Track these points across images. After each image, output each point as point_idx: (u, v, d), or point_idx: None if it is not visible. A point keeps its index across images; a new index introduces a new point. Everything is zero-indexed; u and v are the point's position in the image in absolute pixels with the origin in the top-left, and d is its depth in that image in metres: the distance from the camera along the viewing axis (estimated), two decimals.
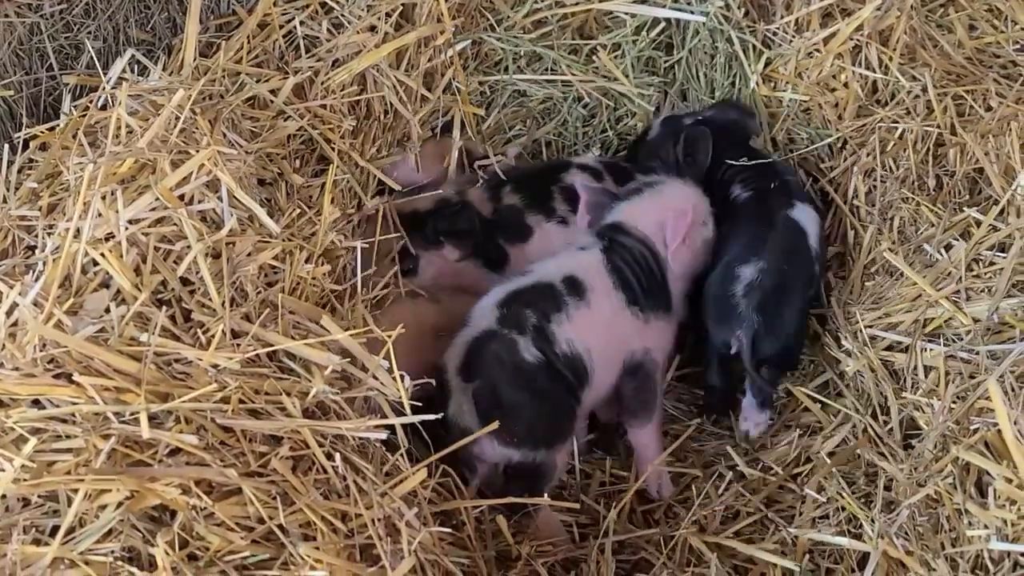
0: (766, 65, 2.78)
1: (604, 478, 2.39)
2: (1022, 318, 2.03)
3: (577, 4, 2.84)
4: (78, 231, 1.76)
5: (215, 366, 1.72)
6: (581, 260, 2.35)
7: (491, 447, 2.16)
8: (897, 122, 2.55)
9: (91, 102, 2.03)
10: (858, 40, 2.67)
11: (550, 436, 2.21)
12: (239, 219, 1.89)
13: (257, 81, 2.19)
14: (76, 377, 1.62)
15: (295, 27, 2.41)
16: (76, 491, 1.54)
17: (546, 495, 2.17)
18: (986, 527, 1.71)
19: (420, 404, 1.90)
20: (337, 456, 1.72)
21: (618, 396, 2.37)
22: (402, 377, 1.85)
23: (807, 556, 2.03)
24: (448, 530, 1.81)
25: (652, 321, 2.35)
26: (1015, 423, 1.75)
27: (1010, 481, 1.68)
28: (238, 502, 1.61)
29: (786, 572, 2.00)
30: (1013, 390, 1.85)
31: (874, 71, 2.66)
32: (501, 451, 2.18)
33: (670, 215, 2.38)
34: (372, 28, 2.45)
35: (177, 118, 1.91)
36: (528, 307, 2.22)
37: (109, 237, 1.78)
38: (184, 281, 1.81)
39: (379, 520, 1.70)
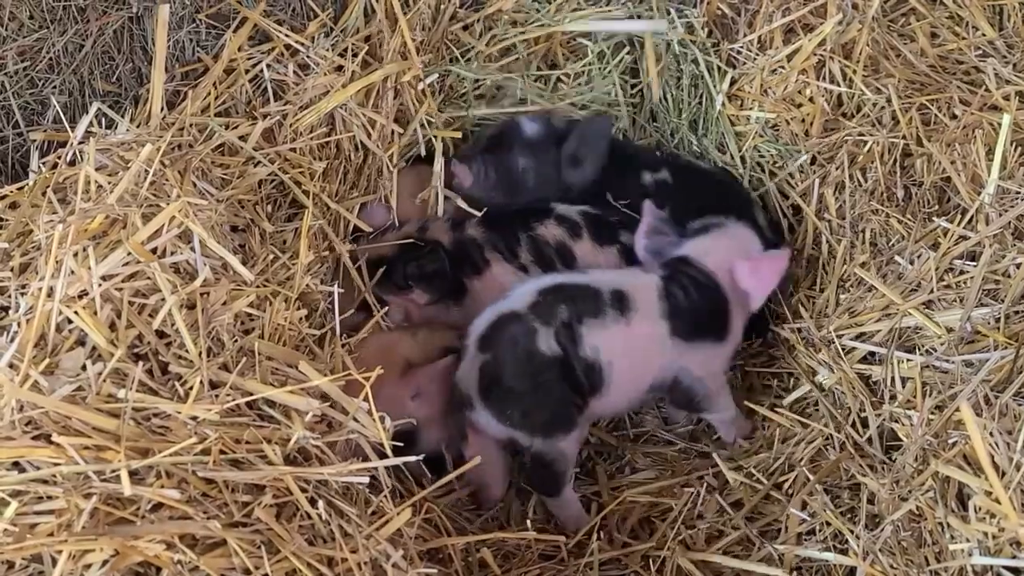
0: (731, 84, 2.79)
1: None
2: (995, 327, 2.04)
3: (542, 27, 2.85)
4: (51, 290, 1.76)
5: (194, 418, 1.72)
6: (638, 281, 2.37)
7: (488, 420, 2.24)
8: (864, 135, 2.57)
9: (59, 158, 2.03)
10: (821, 55, 2.68)
11: (547, 427, 2.24)
12: (212, 268, 1.90)
13: (226, 128, 2.19)
14: (55, 438, 1.62)
15: (262, 71, 2.41)
16: (60, 552, 1.54)
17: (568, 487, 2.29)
18: (968, 541, 1.72)
19: (401, 444, 1.91)
20: (320, 502, 1.72)
21: (670, 399, 2.45)
22: (382, 418, 1.86)
23: (794, 573, 2.04)
24: (435, 570, 1.81)
25: (698, 347, 2.36)
26: (991, 435, 1.76)
27: (990, 494, 1.69)
28: (223, 554, 1.61)
29: None
30: (988, 402, 1.87)
31: (839, 85, 2.67)
32: (496, 427, 2.24)
33: (761, 262, 2.40)
34: (339, 68, 2.46)
35: (146, 172, 1.91)
36: (566, 303, 2.24)
37: (83, 294, 1.78)
38: (160, 334, 1.81)
39: (365, 563, 1.70)
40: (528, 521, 2.15)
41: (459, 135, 2.71)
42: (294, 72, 2.44)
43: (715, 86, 2.79)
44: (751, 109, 2.77)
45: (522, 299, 2.26)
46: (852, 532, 1.99)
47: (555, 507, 2.34)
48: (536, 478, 2.31)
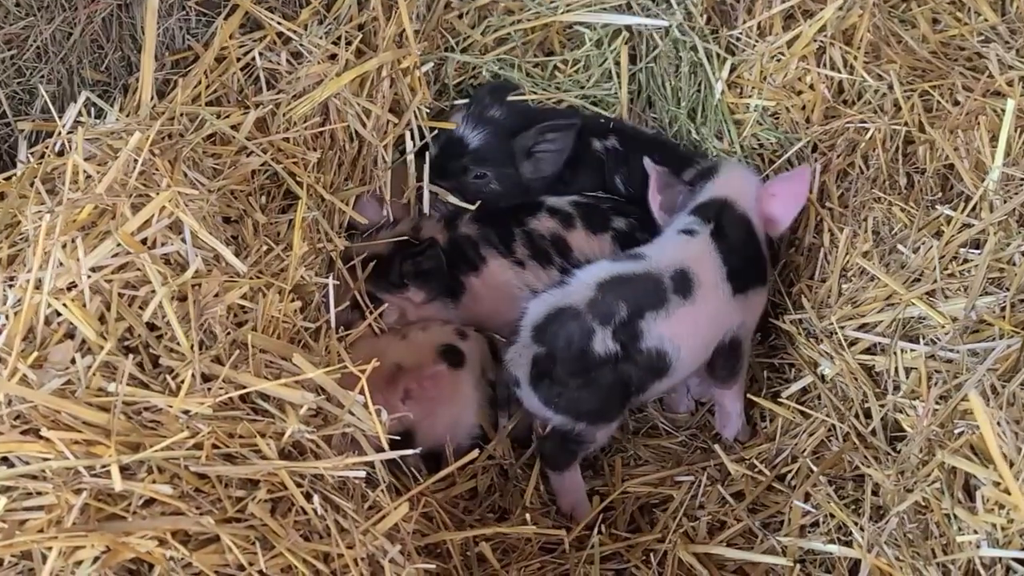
0: (731, 71, 2.76)
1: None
2: (1000, 316, 2.01)
3: (538, 17, 2.82)
4: (39, 282, 1.72)
5: (186, 412, 1.69)
6: (693, 249, 2.35)
7: (534, 401, 2.26)
8: (865, 122, 2.54)
9: (47, 148, 2.00)
10: (822, 41, 2.65)
11: (595, 416, 2.26)
12: (204, 259, 1.86)
13: (217, 117, 2.16)
14: (44, 432, 1.58)
15: (254, 59, 2.38)
16: (50, 549, 1.51)
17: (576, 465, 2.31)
18: (975, 532, 1.69)
19: (399, 438, 1.89)
20: (316, 496, 1.70)
21: (708, 365, 2.41)
22: (379, 411, 1.83)
23: (798, 565, 2.01)
24: (433, 565, 1.78)
25: (751, 297, 2.40)
26: (999, 424, 1.73)
27: (998, 485, 1.66)
28: (216, 550, 1.58)
29: None
30: (995, 391, 1.84)
31: (839, 71, 2.65)
32: (542, 409, 2.27)
33: (788, 183, 2.47)
34: (332, 56, 2.42)
35: (135, 161, 1.87)
36: (625, 298, 2.22)
37: (72, 286, 1.74)
38: (151, 327, 1.77)
39: (362, 559, 1.68)
40: (527, 515, 2.12)
41: (454, 126, 2.67)
42: (287, 60, 2.40)
43: (714, 73, 2.76)
44: (751, 97, 2.74)
45: (580, 292, 2.24)
46: (856, 524, 1.97)
47: (558, 484, 2.33)
48: (554, 449, 2.31)
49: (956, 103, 2.48)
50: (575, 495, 2.33)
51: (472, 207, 2.61)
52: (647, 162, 2.54)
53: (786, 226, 2.50)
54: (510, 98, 2.75)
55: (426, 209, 2.62)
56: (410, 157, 2.60)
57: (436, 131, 2.65)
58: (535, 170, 2.69)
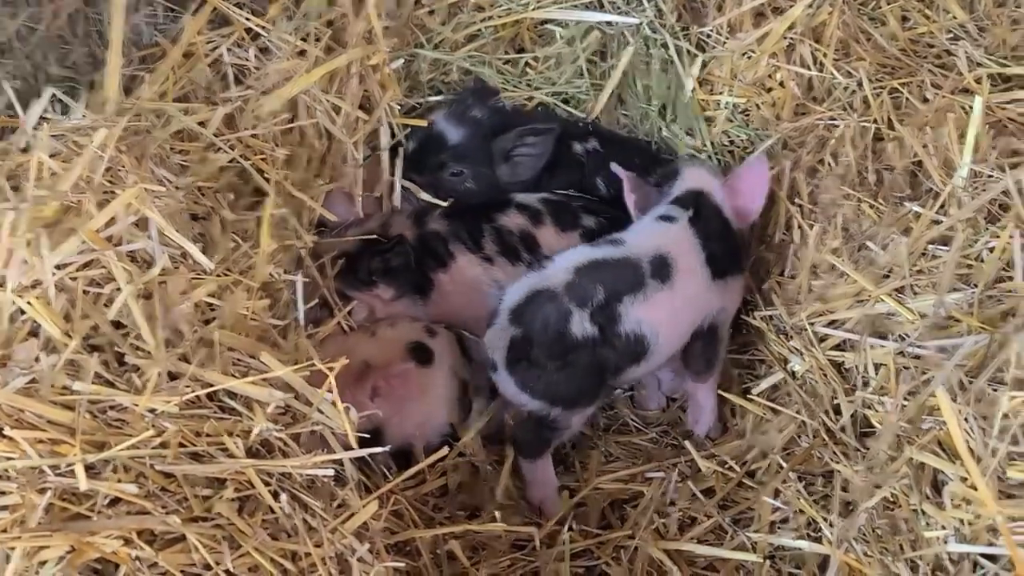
0: (702, 68, 2.76)
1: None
2: (968, 312, 2.02)
3: (509, 14, 2.82)
4: (3, 279, 1.70)
5: (152, 411, 1.67)
6: (672, 235, 2.36)
7: (511, 385, 2.25)
8: (835, 119, 2.55)
9: (11, 144, 1.97)
10: (792, 39, 2.66)
11: (571, 401, 2.26)
12: (171, 257, 1.84)
13: (184, 114, 2.14)
14: (8, 431, 1.57)
15: (222, 55, 2.36)
16: (14, 549, 1.50)
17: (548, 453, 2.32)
18: (943, 528, 1.70)
19: (368, 436, 1.88)
20: (284, 495, 1.69)
21: (684, 354, 2.41)
22: (347, 409, 1.82)
23: (768, 561, 2.02)
24: (402, 563, 1.78)
25: (730, 283, 2.41)
26: (966, 420, 1.74)
27: (965, 481, 1.67)
28: (183, 549, 1.58)
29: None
30: (963, 387, 1.85)
31: (809, 69, 2.66)
32: (518, 395, 2.26)
33: (748, 173, 2.50)
34: (302, 53, 2.41)
35: (101, 157, 1.85)
36: (602, 282, 2.22)
37: (36, 284, 1.73)
38: (116, 325, 1.76)
39: (330, 558, 1.67)
40: (497, 513, 2.11)
41: (424, 124, 2.66)
42: (255, 56, 2.38)
43: (685, 71, 2.76)
44: (721, 94, 2.75)
45: (558, 275, 2.25)
46: (826, 520, 1.98)
47: (530, 474, 2.33)
48: (528, 436, 2.31)
49: (925, 100, 2.49)
50: (546, 488, 2.33)
51: (444, 204, 2.60)
52: (615, 167, 2.54)
53: (755, 216, 2.53)
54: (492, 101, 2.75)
55: (396, 203, 2.61)
56: (384, 153, 2.59)
57: (409, 129, 2.64)
58: (512, 173, 2.69)
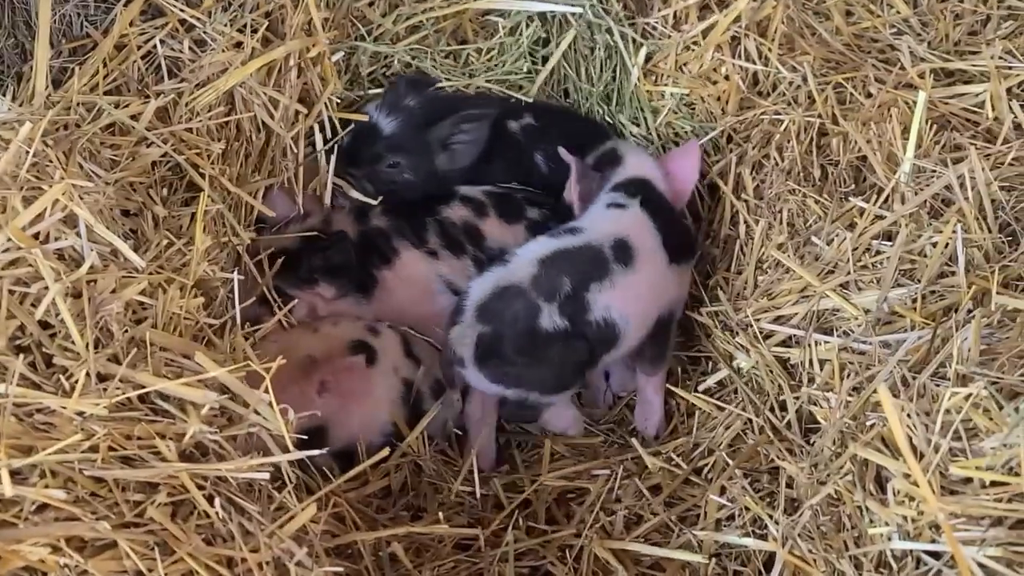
0: (647, 59, 2.75)
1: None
2: (911, 307, 2.02)
3: (450, 5, 2.78)
4: None
5: (80, 414, 1.62)
6: (627, 220, 2.38)
7: (480, 380, 2.27)
8: (780, 113, 2.54)
9: None
10: (736, 32, 2.65)
11: (548, 387, 2.30)
12: (101, 254, 1.79)
13: (116, 107, 2.08)
14: None
15: (155, 47, 2.30)
16: None
17: None
18: (887, 525, 1.69)
19: (305, 437, 1.84)
20: (218, 499, 1.65)
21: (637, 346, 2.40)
22: (284, 411, 1.78)
23: (713, 559, 2.00)
24: (341, 568, 1.74)
25: (683, 268, 2.45)
26: (908, 416, 1.73)
27: (907, 477, 1.66)
28: (113, 556, 1.53)
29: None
30: (906, 383, 1.84)
31: (754, 63, 2.65)
32: (490, 386, 2.28)
33: (681, 156, 2.57)
34: (238, 45, 2.35)
35: (27, 152, 1.80)
36: (568, 273, 2.23)
37: None
38: (43, 325, 1.70)
39: (267, 563, 1.63)
40: (440, 514, 2.08)
41: (366, 118, 2.61)
42: (190, 48, 2.32)
43: (630, 59, 2.74)
44: (666, 85, 2.73)
45: (523, 269, 2.24)
46: (771, 517, 1.97)
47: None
48: (515, 415, 2.41)
49: (869, 95, 2.49)
50: (487, 450, 2.41)
51: (375, 203, 2.54)
52: (563, 152, 2.53)
53: (686, 199, 2.57)
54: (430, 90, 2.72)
55: (327, 201, 2.56)
56: (320, 145, 2.53)
57: (352, 125, 2.60)
58: (451, 161, 2.66)
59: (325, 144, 2.53)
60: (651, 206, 2.41)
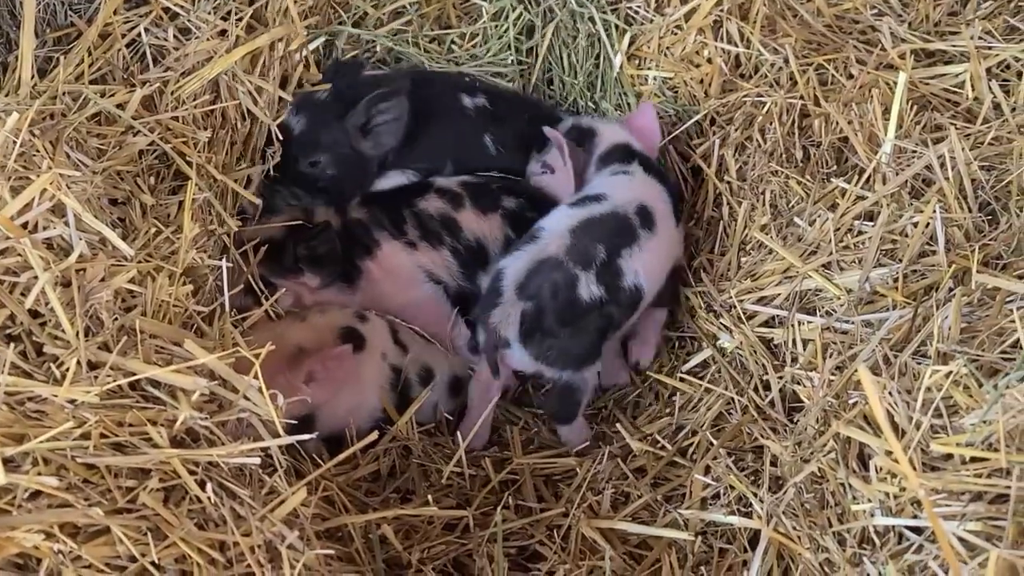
0: (630, 44, 2.76)
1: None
2: (893, 287, 2.04)
3: None
4: None
5: (72, 401, 1.63)
6: (640, 185, 2.46)
7: (523, 359, 2.31)
8: (762, 95, 2.56)
9: None
10: (718, 15, 2.66)
11: (579, 361, 2.33)
12: (89, 243, 1.80)
13: (102, 96, 2.09)
14: None
15: (140, 36, 2.30)
16: None
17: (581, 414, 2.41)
18: (869, 501, 1.71)
19: (296, 423, 1.86)
20: (210, 484, 1.66)
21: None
22: (274, 396, 1.79)
23: (699, 537, 2.03)
24: (332, 550, 1.76)
25: (682, 230, 2.53)
26: (890, 394, 1.76)
27: (890, 454, 1.68)
28: (106, 542, 1.54)
29: (681, 557, 2.01)
30: (888, 361, 1.87)
31: (736, 45, 2.66)
32: (532, 364, 2.32)
33: (640, 116, 2.64)
34: (222, 32, 2.36)
35: (14, 142, 1.80)
36: (601, 240, 2.28)
37: None
38: (33, 314, 1.71)
39: (259, 546, 1.65)
40: (429, 496, 2.10)
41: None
42: (174, 37, 2.32)
43: (613, 46, 2.75)
44: (650, 68, 2.74)
45: (556, 241, 2.28)
46: (756, 495, 1.99)
47: (565, 432, 2.42)
48: (560, 405, 2.41)
49: (850, 76, 2.50)
50: (581, 435, 2.43)
51: (256, 200, 2.40)
52: (548, 131, 2.56)
53: (655, 155, 2.66)
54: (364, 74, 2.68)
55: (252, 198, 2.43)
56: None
57: None
58: (377, 144, 2.61)
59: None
60: (651, 169, 2.50)
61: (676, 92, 2.76)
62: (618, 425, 2.37)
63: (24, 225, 1.76)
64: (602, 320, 2.29)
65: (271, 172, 2.49)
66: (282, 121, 2.49)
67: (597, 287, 2.25)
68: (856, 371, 1.88)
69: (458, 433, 2.33)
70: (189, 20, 2.36)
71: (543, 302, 2.24)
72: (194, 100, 2.24)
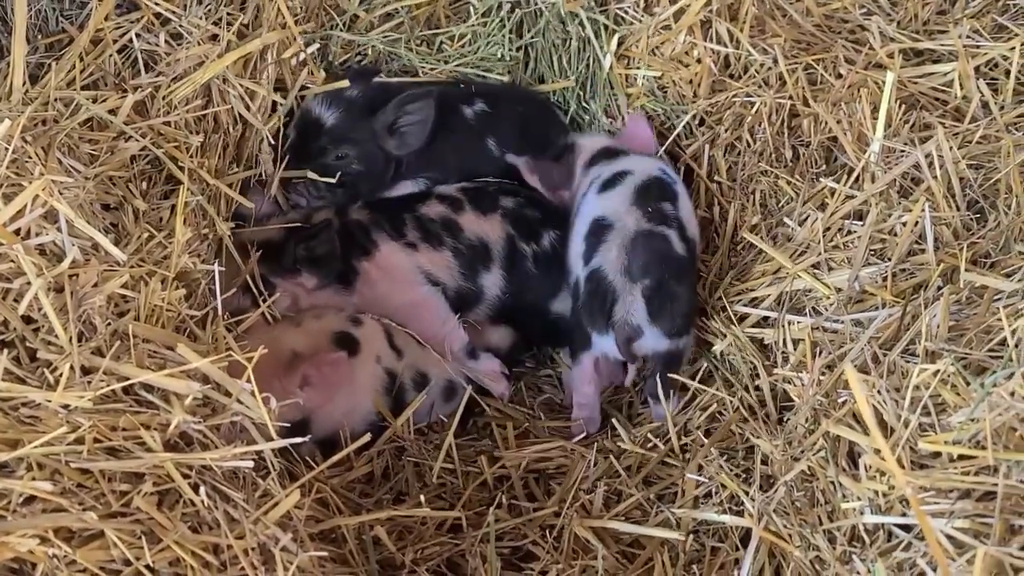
0: (619, 44, 2.76)
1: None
2: (882, 286, 2.05)
3: None
4: None
5: (66, 406, 1.64)
6: (646, 159, 2.54)
7: (658, 339, 2.31)
8: (751, 95, 2.57)
9: None
10: (707, 15, 2.67)
11: (693, 321, 2.38)
12: (82, 249, 1.81)
13: (94, 102, 2.09)
14: None
15: (131, 41, 2.31)
16: None
17: None
18: (859, 499, 1.72)
19: (288, 425, 1.87)
20: (203, 488, 1.67)
21: None
22: (267, 399, 1.80)
23: (691, 536, 2.04)
24: (325, 552, 1.77)
25: None
26: (879, 392, 1.77)
27: (878, 453, 1.69)
28: (101, 546, 1.55)
29: (673, 556, 2.02)
30: (877, 360, 1.88)
31: (726, 45, 2.66)
32: (666, 342, 2.32)
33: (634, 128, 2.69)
34: (214, 37, 2.37)
35: (6, 149, 1.81)
36: (658, 199, 2.35)
37: None
38: (27, 320, 1.72)
39: (253, 549, 1.65)
40: (422, 497, 2.11)
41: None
42: (166, 42, 2.33)
43: (603, 47, 2.76)
44: (639, 68, 2.74)
45: (627, 216, 2.34)
46: (747, 494, 2.00)
47: (660, 411, 2.36)
48: (665, 379, 2.32)
49: (839, 76, 2.51)
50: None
51: (333, 180, 2.54)
52: (511, 158, 2.66)
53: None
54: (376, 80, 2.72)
55: (273, 193, 2.53)
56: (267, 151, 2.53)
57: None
58: (401, 145, 2.64)
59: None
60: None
61: (665, 92, 2.77)
62: (613, 420, 2.38)
63: (17, 231, 1.76)
64: (695, 274, 2.36)
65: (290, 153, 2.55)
66: (312, 112, 2.57)
67: (680, 242, 2.32)
68: (845, 370, 1.90)
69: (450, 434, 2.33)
70: (180, 25, 2.36)
71: (653, 271, 2.27)
72: (186, 105, 2.25)
